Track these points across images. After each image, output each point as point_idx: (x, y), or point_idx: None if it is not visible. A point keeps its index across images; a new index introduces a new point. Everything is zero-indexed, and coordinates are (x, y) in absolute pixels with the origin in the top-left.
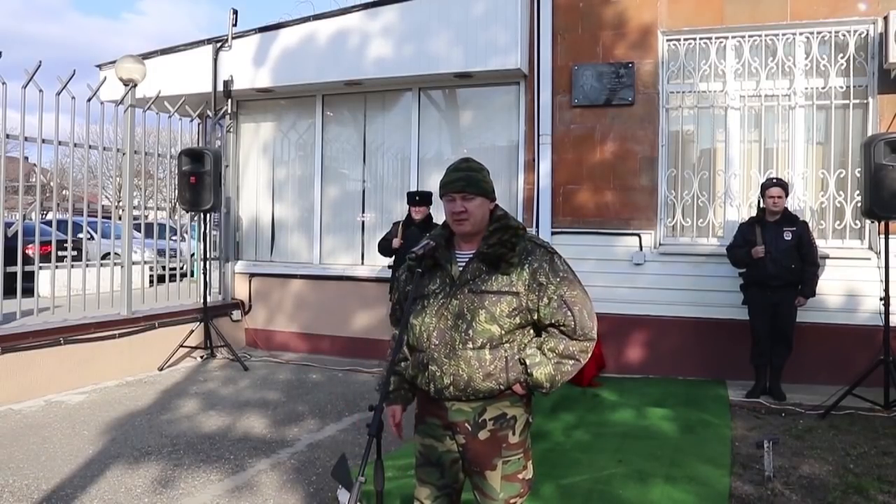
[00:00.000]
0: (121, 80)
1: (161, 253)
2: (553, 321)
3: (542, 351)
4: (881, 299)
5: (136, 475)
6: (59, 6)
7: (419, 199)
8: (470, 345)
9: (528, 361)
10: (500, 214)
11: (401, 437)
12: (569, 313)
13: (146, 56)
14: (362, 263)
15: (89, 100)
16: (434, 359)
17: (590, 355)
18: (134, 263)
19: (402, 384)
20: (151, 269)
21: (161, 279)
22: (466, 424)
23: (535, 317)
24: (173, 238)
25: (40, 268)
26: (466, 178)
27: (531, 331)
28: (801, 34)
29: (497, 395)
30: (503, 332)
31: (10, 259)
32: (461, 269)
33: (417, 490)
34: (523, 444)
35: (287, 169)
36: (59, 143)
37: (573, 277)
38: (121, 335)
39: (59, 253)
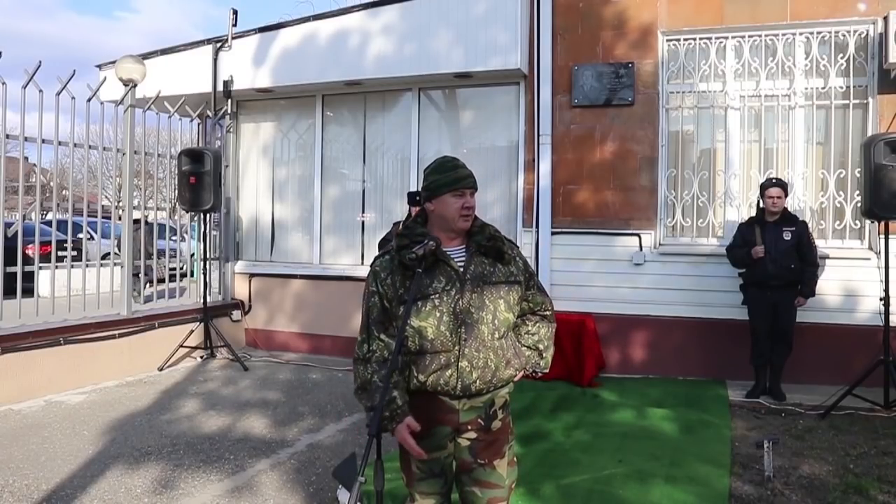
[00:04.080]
0: (121, 80)
1: (161, 253)
2: (541, 306)
3: (541, 335)
4: (881, 299)
5: (136, 475)
6: (53, 5)
7: (420, 198)
8: (497, 335)
9: (540, 346)
10: None
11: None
12: (546, 299)
13: (146, 56)
14: (362, 263)
15: (89, 100)
16: (465, 354)
17: None
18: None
19: (404, 397)
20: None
21: (161, 279)
22: (479, 420)
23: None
24: (173, 238)
25: (40, 268)
26: (474, 177)
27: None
28: (800, 34)
29: (508, 382)
30: (515, 319)
31: (10, 259)
32: (463, 264)
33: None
34: None
35: (287, 169)
36: (59, 143)
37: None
38: (121, 335)
39: (59, 253)
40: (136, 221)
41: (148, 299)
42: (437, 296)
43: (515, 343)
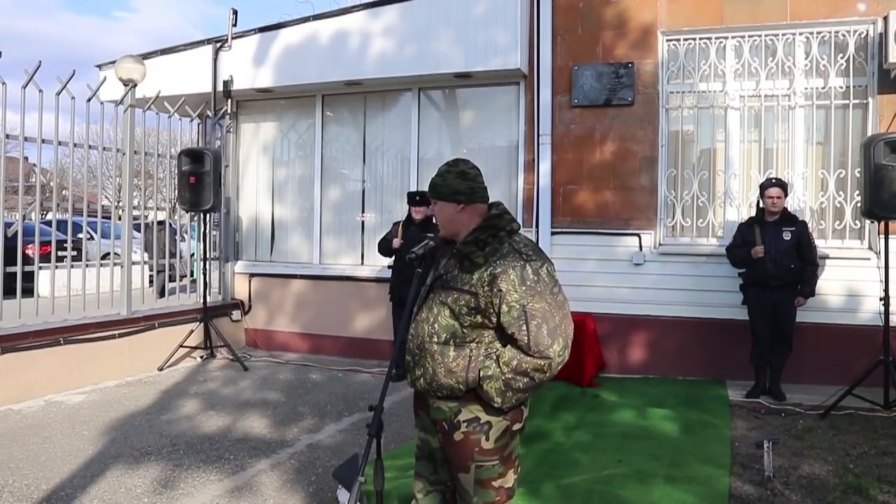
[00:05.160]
0: (121, 80)
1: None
2: (510, 331)
3: (498, 364)
4: (881, 299)
5: (136, 475)
6: (52, 5)
7: (419, 199)
8: (435, 339)
9: (481, 374)
10: (494, 214)
11: None
12: (524, 327)
13: (146, 56)
14: (362, 264)
15: (89, 100)
16: (410, 349)
17: (548, 374)
18: (134, 263)
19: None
20: (151, 269)
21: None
22: (444, 423)
23: (498, 322)
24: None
25: (40, 268)
26: (431, 186)
27: (498, 333)
28: (800, 34)
29: (461, 395)
30: (463, 329)
31: (10, 259)
32: (443, 264)
33: (414, 483)
34: (500, 451)
35: (287, 169)
36: (59, 143)
37: (543, 290)
38: (121, 335)
39: (59, 253)
40: (160, 222)
41: (173, 291)
42: (422, 290)
43: (475, 357)
